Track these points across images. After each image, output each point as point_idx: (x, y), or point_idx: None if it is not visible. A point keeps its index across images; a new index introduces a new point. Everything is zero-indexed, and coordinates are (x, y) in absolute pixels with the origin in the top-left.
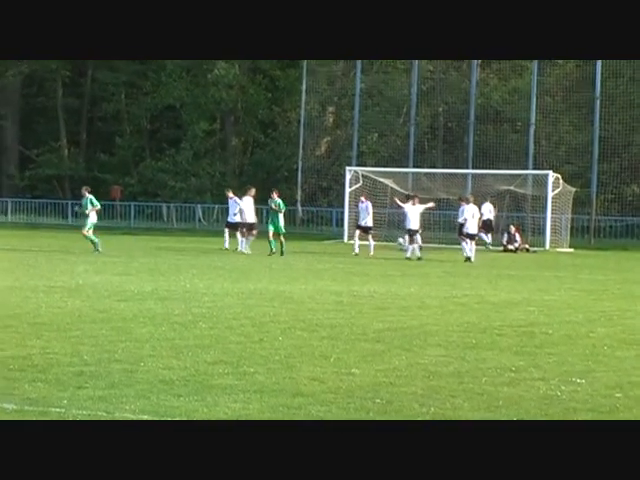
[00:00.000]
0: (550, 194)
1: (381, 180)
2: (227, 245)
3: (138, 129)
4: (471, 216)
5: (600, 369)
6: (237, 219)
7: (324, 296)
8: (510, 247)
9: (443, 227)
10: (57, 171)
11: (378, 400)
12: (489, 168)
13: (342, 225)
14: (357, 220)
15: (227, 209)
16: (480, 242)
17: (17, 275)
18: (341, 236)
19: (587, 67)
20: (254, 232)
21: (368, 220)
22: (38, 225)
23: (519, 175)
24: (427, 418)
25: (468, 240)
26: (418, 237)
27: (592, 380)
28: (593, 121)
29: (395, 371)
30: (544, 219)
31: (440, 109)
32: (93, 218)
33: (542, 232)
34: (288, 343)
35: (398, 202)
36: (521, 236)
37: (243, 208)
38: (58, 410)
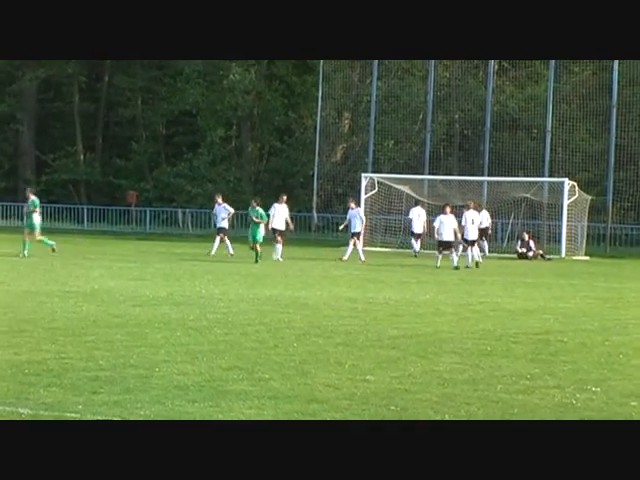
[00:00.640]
0: (566, 202)
1: (397, 187)
2: (214, 251)
3: (154, 134)
4: (470, 222)
5: (615, 377)
6: (224, 224)
7: (339, 302)
8: (523, 251)
9: None
10: (73, 176)
11: (393, 407)
12: (505, 175)
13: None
14: (350, 227)
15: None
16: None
17: (32, 280)
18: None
19: (603, 74)
20: (279, 239)
21: (358, 225)
22: (54, 230)
23: (535, 183)
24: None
25: (469, 247)
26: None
27: (607, 388)
28: (609, 129)
29: (410, 378)
30: (560, 227)
31: (456, 116)
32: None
33: (558, 240)
34: (303, 349)
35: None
36: (535, 243)
37: (274, 215)
38: (73, 415)
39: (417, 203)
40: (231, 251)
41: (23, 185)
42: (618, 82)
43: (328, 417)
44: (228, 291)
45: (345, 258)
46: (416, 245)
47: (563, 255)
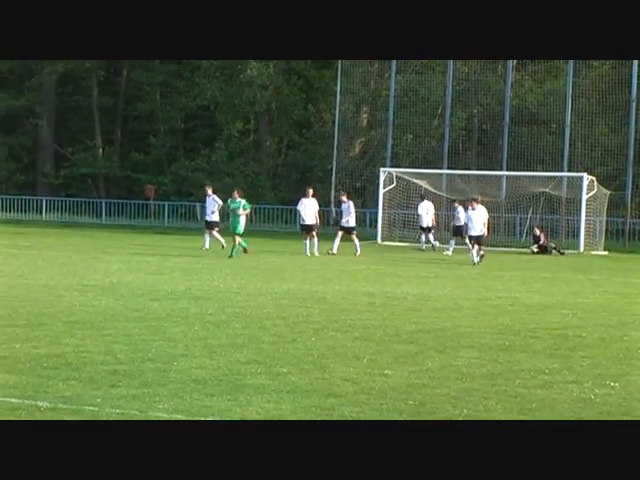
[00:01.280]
0: (585, 196)
1: (415, 181)
2: (207, 246)
3: (172, 129)
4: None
5: (634, 372)
6: (215, 218)
7: (357, 297)
8: (536, 250)
9: None
10: (92, 170)
11: (411, 402)
12: (524, 170)
13: (376, 226)
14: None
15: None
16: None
17: (51, 273)
18: (375, 237)
19: (623, 69)
20: (314, 234)
21: (350, 220)
22: (72, 224)
23: (554, 177)
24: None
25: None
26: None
27: (626, 383)
28: (629, 123)
29: (428, 373)
30: (578, 221)
31: (475, 110)
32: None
33: (576, 235)
34: (321, 344)
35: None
36: (546, 237)
37: (300, 210)
38: (91, 409)
39: (423, 198)
40: (206, 246)
41: (42, 179)
42: (638, 76)
43: (346, 411)
44: (246, 285)
45: (358, 253)
46: (425, 239)
47: (582, 250)
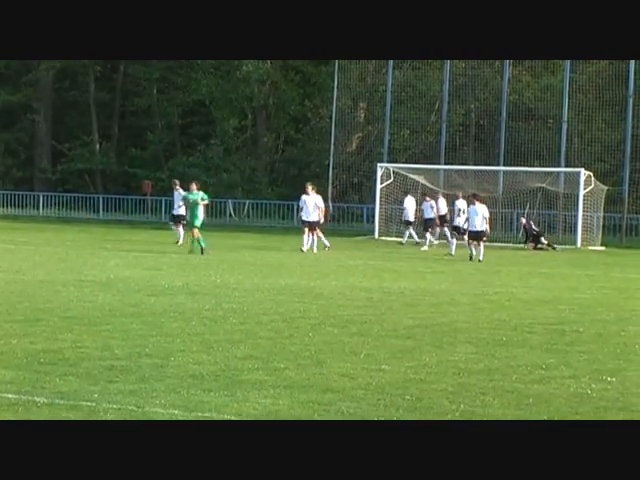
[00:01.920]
0: (582, 192)
1: (412, 177)
2: (182, 240)
3: (169, 124)
4: (460, 212)
5: (631, 368)
6: (182, 212)
7: (354, 292)
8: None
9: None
10: (89, 165)
11: (408, 397)
12: (521, 165)
13: (373, 222)
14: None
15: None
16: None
17: (48, 269)
18: (372, 232)
19: (620, 65)
20: (317, 230)
21: (314, 215)
22: (69, 219)
23: (551, 173)
24: (457, 415)
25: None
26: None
27: (623, 379)
28: (626, 119)
29: (425, 368)
30: (576, 217)
31: (472, 106)
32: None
33: (574, 230)
34: (318, 339)
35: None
36: (536, 224)
37: (303, 206)
38: (89, 404)
39: (407, 193)
40: (181, 241)
41: (39, 175)
42: (635, 72)
43: (343, 407)
44: (243, 281)
45: (312, 248)
46: (408, 234)
47: (579, 245)
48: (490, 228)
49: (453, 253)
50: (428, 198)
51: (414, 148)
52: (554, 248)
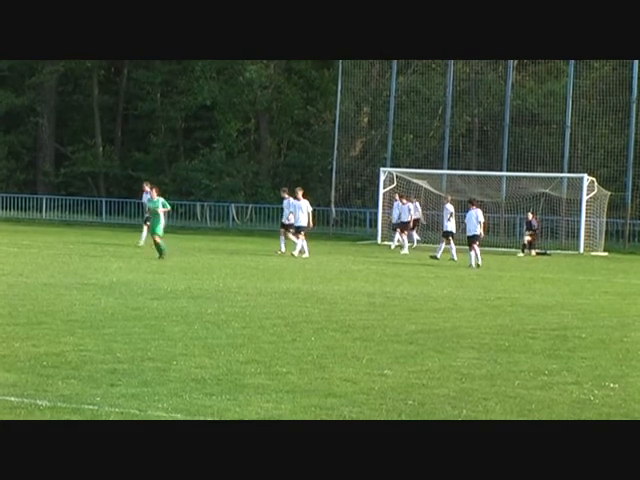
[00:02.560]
0: (585, 197)
1: (415, 181)
2: (142, 242)
3: (173, 128)
4: (450, 215)
5: (634, 374)
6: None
7: (357, 297)
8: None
9: None
10: (92, 169)
11: (410, 402)
12: (524, 171)
13: (376, 226)
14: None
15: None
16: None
17: (51, 272)
18: (375, 237)
19: (623, 70)
20: (300, 235)
21: (303, 220)
22: (72, 222)
23: (554, 178)
24: (459, 420)
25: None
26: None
27: (625, 385)
28: (629, 124)
29: (427, 373)
30: (579, 222)
31: (475, 111)
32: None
33: (576, 236)
34: (320, 343)
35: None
36: (539, 224)
37: (293, 211)
38: (91, 407)
39: (401, 197)
40: (142, 242)
41: (42, 178)
42: (638, 78)
43: (345, 411)
44: (246, 285)
45: (295, 253)
46: (398, 238)
47: (582, 251)
48: (484, 232)
49: (439, 256)
50: (405, 200)
51: (417, 153)
52: (546, 253)
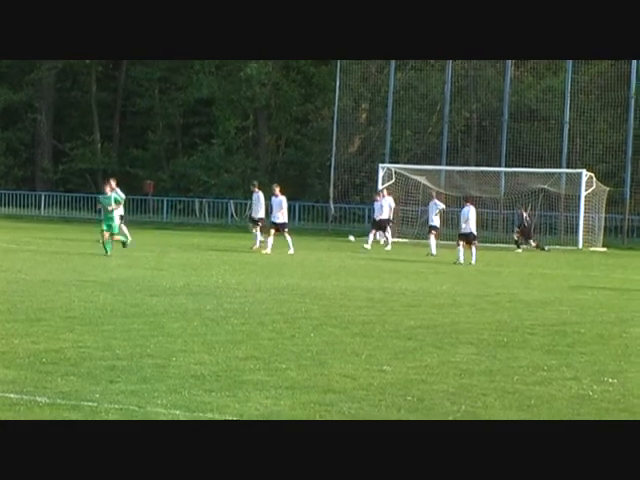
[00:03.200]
0: (583, 193)
1: (414, 177)
2: (129, 236)
3: (171, 124)
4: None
5: (633, 369)
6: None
7: (356, 293)
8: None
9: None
10: (90, 165)
11: (409, 397)
12: (522, 166)
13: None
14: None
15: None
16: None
17: (50, 269)
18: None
19: (622, 66)
20: (273, 231)
21: (279, 215)
22: (71, 219)
23: (552, 174)
24: (458, 416)
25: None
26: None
27: (624, 380)
28: (628, 120)
29: (427, 369)
30: (577, 218)
31: (474, 107)
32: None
33: (575, 231)
34: (320, 339)
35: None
36: (531, 219)
37: (274, 206)
38: (90, 404)
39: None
40: (129, 237)
41: (40, 174)
42: (637, 73)
43: (345, 407)
44: (245, 281)
45: (268, 251)
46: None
47: (580, 246)
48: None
49: (434, 253)
50: (379, 198)
51: (416, 149)
52: (543, 249)
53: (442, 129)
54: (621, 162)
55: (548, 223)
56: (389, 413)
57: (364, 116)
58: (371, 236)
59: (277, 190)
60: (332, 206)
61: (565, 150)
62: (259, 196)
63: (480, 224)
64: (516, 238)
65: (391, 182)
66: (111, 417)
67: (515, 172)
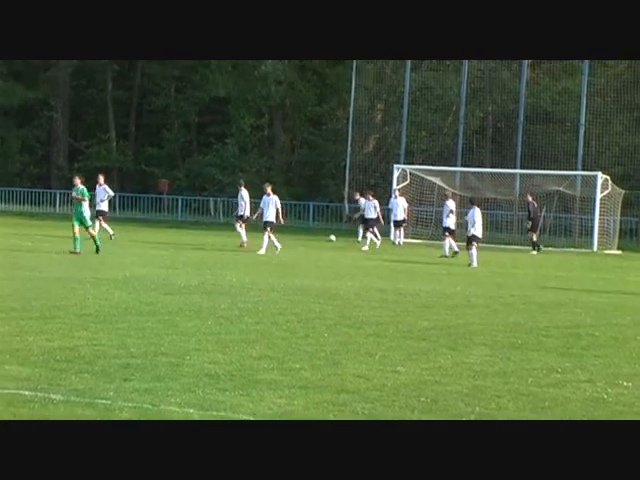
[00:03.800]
0: (599, 195)
1: (429, 178)
2: (111, 232)
3: (186, 123)
4: (449, 212)
5: None
6: (103, 207)
7: (370, 293)
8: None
9: (489, 227)
10: (106, 163)
11: (423, 398)
12: (538, 168)
13: (389, 222)
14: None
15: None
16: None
17: (65, 266)
18: (388, 233)
19: (638, 68)
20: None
21: (270, 215)
22: None
23: (568, 176)
24: (472, 417)
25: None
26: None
27: (639, 383)
28: None
29: (440, 370)
30: (592, 220)
31: (489, 108)
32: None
33: (590, 234)
34: (333, 340)
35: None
36: (540, 208)
37: (263, 207)
38: (104, 402)
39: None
40: (110, 231)
41: (56, 172)
42: None
43: (358, 408)
44: (259, 280)
45: (262, 252)
46: (398, 234)
47: (595, 249)
48: (481, 231)
49: (447, 254)
50: (371, 197)
51: (431, 150)
52: (539, 248)
53: (457, 130)
54: (637, 165)
55: (563, 225)
56: (403, 414)
57: (379, 116)
58: (370, 236)
59: (269, 189)
60: (347, 206)
61: (581, 152)
62: (242, 195)
63: (495, 226)
64: (534, 239)
65: (406, 183)
66: (125, 415)
67: (530, 174)
